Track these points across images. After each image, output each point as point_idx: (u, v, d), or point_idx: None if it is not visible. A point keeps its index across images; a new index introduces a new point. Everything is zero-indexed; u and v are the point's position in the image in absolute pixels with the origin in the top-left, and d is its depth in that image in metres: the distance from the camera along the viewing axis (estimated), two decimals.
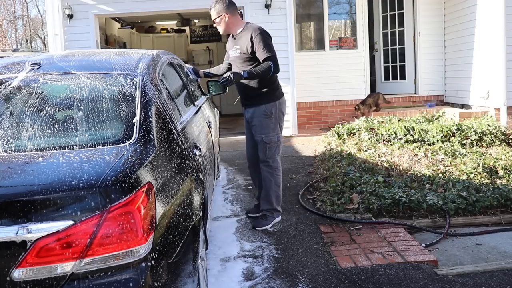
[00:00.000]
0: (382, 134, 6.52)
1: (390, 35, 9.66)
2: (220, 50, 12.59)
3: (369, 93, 9.29)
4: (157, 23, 12.97)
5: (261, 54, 3.82)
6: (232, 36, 4.05)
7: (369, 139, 6.51)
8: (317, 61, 9.03)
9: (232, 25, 3.99)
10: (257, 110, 3.91)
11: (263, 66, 3.80)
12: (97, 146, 2.12)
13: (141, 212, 1.81)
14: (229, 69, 4.15)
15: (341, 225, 3.98)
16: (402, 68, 9.55)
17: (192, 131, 3.09)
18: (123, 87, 2.51)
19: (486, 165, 5.01)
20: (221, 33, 4.13)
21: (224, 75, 3.84)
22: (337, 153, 5.97)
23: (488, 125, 6.55)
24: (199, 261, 2.40)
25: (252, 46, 3.83)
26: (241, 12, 8.48)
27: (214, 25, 4.08)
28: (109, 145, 2.13)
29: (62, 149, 2.09)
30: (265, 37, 3.85)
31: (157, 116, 2.41)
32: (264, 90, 3.92)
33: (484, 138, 6.30)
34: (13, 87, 2.53)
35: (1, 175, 1.92)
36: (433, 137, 6.28)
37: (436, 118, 7.74)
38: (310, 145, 7.29)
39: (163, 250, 1.91)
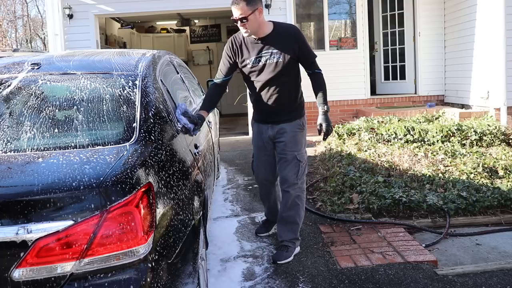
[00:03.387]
0: (382, 134, 6.52)
1: (390, 35, 9.65)
2: (220, 50, 12.56)
3: (369, 93, 9.30)
4: (157, 23, 12.97)
5: (311, 59, 3.37)
6: (256, 39, 3.25)
7: (369, 139, 6.51)
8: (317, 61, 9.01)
9: (262, 24, 3.21)
10: (289, 124, 3.34)
11: (322, 80, 3.38)
12: (97, 146, 2.13)
13: (141, 212, 1.81)
14: (221, 90, 3.37)
15: (341, 225, 3.98)
16: (402, 68, 9.55)
17: None
18: (123, 87, 2.51)
19: (486, 165, 5.01)
20: (248, 34, 3.20)
21: (324, 131, 3.29)
22: (337, 153, 5.97)
23: (488, 125, 6.55)
24: (199, 261, 2.40)
25: (299, 49, 3.26)
26: None
27: (240, 25, 3.16)
28: (109, 145, 2.13)
29: (62, 149, 2.09)
30: (304, 36, 3.38)
31: (157, 116, 2.41)
32: (296, 101, 3.39)
33: (484, 138, 6.30)
34: (13, 87, 2.53)
35: (1, 175, 1.93)
36: (433, 137, 6.28)
37: (436, 118, 7.74)
38: (310, 145, 7.29)
39: (163, 250, 1.91)
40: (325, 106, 3.33)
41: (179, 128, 2.67)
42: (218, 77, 3.36)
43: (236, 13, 3.12)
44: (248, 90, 3.52)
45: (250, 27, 3.16)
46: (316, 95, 3.39)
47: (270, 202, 3.75)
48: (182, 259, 2.08)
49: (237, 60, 3.32)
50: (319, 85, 3.37)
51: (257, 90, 3.34)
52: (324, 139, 3.42)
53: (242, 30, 3.20)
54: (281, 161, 3.38)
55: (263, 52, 3.23)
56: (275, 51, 3.22)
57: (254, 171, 3.69)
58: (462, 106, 8.60)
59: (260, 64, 3.25)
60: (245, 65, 3.30)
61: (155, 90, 2.60)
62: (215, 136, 4.77)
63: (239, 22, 3.15)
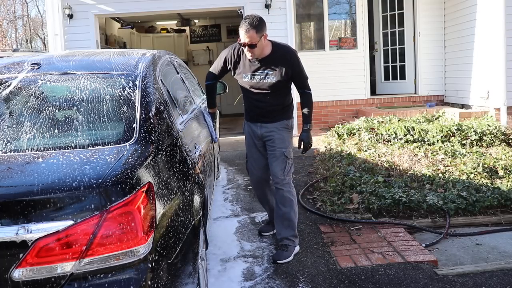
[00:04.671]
0: (382, 134, 6.52)
1: (390, 35, 9.65)
2: (220, 50, 12.53)
3: (369, 93, 9.30)
4: (157, 23, 12.96)
5: (302, 81, 3.51)
6: (257, 58, 3.37)
7: (369, 139, 6.50)
8: (317, 61, 9.01)
9: (264, 46, 3.35)
10: (278, 124, 3.52)
11: (310, 100, 3.55)
12: (97, 146, 2.12)
13: (141, 212, 1.81)
14: (215, 87, 3.68)
15: (341, 225, 3.98)
16: (402, 68, 9.55)
17: (192, 131, 3.09)
18: (123, 87, 2.50)
19: (486, 165, 5.01)
20: (253, 57, 3.33)
21: (304, 146, 3.57)
22: (337, 153, 5.97)
23: (488, 125, 6.55)
24: (199, 261, 2.40)
25: (293, 72, 3.41)
26: (241, 12, 8.48)
27: (247, 50, 3.28)
28: (109, 145, 2.13)
29: (62, 149, 2.09)
30: (299, 59, 3.51)
31: (157, 116, 2.41)
32: (286, 106, 3.58)
33: (484, 138, 6.30)
34: (13, 87, 2.53)
35: (1, 175, 1.92)
36: (433, 137, 6.28)
37: (436, 118, 7.74)
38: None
39: (163, 250, 1.91)
40: (309, 125, 3.58)
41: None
42: (212, 76, 3.63)
43: (245, 39, 3.23)
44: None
45: (256, 52, 3.31)
46: (302, 113, 3.60)
47: (269, 202, 3.78)
48: (182, 259, 2.08)
49: (231, 70, 3.52)
50: (307, 105, 3.58)
51: (249, 96, 3.54)
52: (303, 153, 3.66)
53: (247, 54, 3.33)
54: (270, 157, 3.53)
55: (259, 71, 3.40)
56: (270, 72, 3.38)
57: (249, 171, 3.79)
58: (462, 106, 8.59)
59: (254, 81, 3.44)
60: (240, 77, 3.50)
61: (155, 90, 2.60)
62: None
63: (246, 47, 3.28)
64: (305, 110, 3.57)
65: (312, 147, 3.74)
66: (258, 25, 3.22)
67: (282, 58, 3.39)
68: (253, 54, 3.31)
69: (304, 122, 3.59)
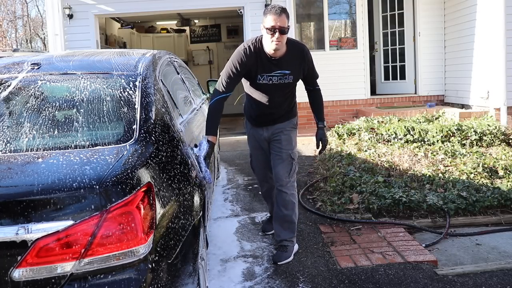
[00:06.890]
0: (382, 134, 6.52)
1: (390, 35, 9.65)
2: (220, 50, 12.59)
3: (369, 93, 9.29)
4: (157, 23, 12.97)
5: (314, 79, 3.44)
6: (271, 57, 3.16)
7: (369, 139, 6.50)
8: (317, 61, 8.84)
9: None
10: (284, 124, 3.43)
11: (321, 96, 3.48)
12: (97, 146, 2.12)
13: (141, 212, 1.81)
14: (222, 105, 3.18)
15: (341, 225, 3.98)
16: (402, 68, 9.55)
17: (192, 131, 3.09)
18: (123, 88, 2.50)
19: (486, 165, 5.01)
20: (277, 49, 3.09)
21: (323, 145, 3.45)
22: (337, 153, 5.97)
23: (488, 125, 6.55)
24: (199, 261, 2.40)
25: (308, 70, 3.33)
26: (240, 12, 8.48)
27: (276, 38, 3.02)
28: (109, 145, 2.13)
29: (62, 149, 2.09)
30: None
31: (157, 116, 2.41)
32: (293, 104, 3.49)
33: (484, 138, 6.30)
34: (13, 87, 2.53)
35: (1, 175, 1.92)
36: (433, 137, 6.28)
37: (436, 118, 7.74)
38: (310, 145, 7.28)
39: (163, 250, 1.91)
40: (324, 122, 3.49)
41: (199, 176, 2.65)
42: (222, 91, 3.17)
43: (277, 23, 3.01)
44: (246, 93, 3.51)
45: (283, 41, 3.10)
46: (315, 111, 3.52)
47: (272, 198, 3.76)
48: (182, 259, 2.08)
49: (246, 73, 3.24)
50: (318, 101, 3.50)
51: (259, 99, 3.36)
52: (320, 152, 3.56)
53: (273, 43, 3.06)
54: (275, 158, 3.43)
55: (276, 72, 3.21)
56: (287, 72, 3.22)
57: (254, 170, 3.78)
58: (462, 106, 8.59)
59: (271, 82, 3.25)
60: (254, 79, 3.26)
61: (155, 90, 2.60)
62: None
63: (276, 34, 3.02)
64: (319, 107, 3.49)
65: (311, 147, 3.68)
66: (287, 12, 3.06)
67: (298, 57, 3.25)
68: (280, 44, 3.06)
69: (319, 119, 3.47)
